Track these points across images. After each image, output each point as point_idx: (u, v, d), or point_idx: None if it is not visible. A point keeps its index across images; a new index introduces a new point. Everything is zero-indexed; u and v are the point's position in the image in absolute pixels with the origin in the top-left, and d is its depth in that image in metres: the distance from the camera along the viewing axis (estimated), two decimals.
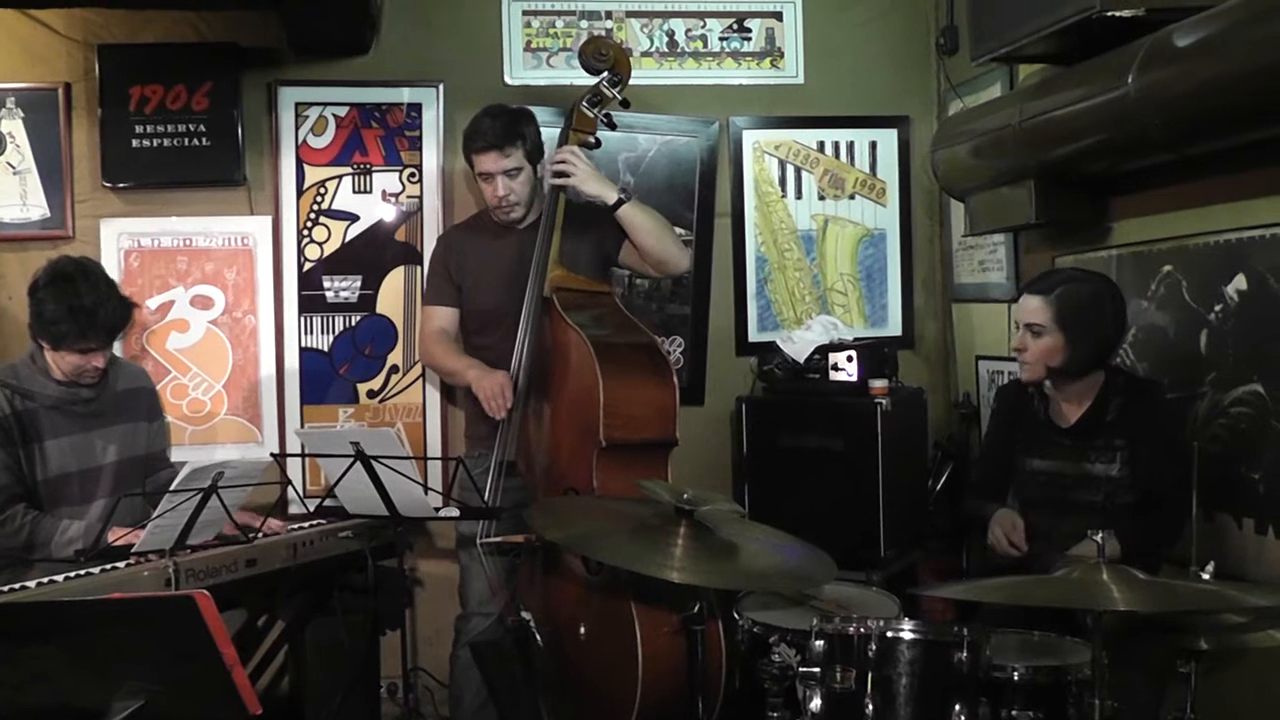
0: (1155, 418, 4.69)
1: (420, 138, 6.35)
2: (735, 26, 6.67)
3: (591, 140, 5.53)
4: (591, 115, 5.51)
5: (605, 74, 5.51)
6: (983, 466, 5.34)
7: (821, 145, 6.76)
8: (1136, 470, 4.65)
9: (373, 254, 6.35)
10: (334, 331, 6.30)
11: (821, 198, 6.77)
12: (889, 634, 3.82)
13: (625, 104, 5.59)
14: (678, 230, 5.89)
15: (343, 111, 6.31)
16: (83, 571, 4.41)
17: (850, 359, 5.98)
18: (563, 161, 5.38)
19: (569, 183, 5.37)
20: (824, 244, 6.78)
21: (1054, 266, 5.67)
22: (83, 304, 4.87)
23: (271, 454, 5.78)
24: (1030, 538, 4.91)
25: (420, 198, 6.35)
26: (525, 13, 6.49)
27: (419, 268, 6.29)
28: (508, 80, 6.46)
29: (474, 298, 5.69)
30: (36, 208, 6.06)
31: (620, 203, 5.35)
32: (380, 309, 6.34)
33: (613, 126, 5.62)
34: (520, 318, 5.33)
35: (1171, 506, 4.42)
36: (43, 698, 3.27)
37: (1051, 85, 5.07)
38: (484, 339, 5.64)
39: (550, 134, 5.74)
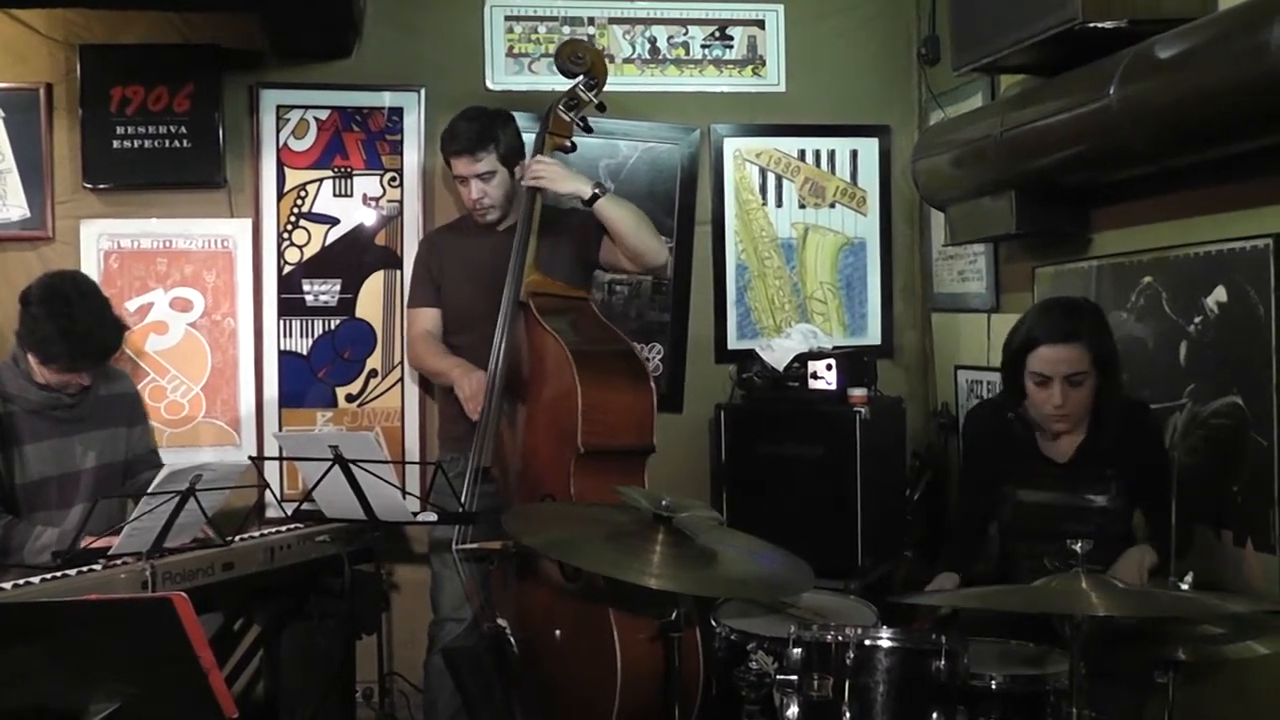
0: (1149, 442, 4.68)
1: (401, 142, 6.34)
2: (717, 34, 6.67)
3: (568, 144, 5.54)
4: (567, 119, 5.51)
5: (581, 77, 5.52)
6: (967, 498, 5.18)
7: (802, 154, 6.77)
8: (1129, 498, 4.63)
9: (353, 258, 6.34)
10: (313, 335, 6.30)
11: (802, 206, 6.78)
12: (867, 642, 3.82)
13: (601, 108, 5.59)
14: None
15: (324, 115, 6.30)
16: (59, 574, 4.38)
17: (829, 367, 5.97)
18: (533, 173, 5.39)
19: (542, 185, 5.38)
20: (804, 252, 6.78)
21: (1033, 279, 5.68)
22: (76, 329, 4.86)
23: (250, 457, 5.75)
24: (1014, 559, 4.90)
25: (401, 202, 6.34)
26: (507, 18, 6.49)
27: (399, 272, 6.29)
28: (489, 85, 6.46)
29: (451, 297, 5.72)
30: (16, 208, 6.04)
31: (595, 197, 5.36)
32: (360, 313, 6.33)
33: (589, 130, 5.62)
34: (497, 320, 5.34)
35: (1162, 526, 4.44)
36: (19, 699, 3.26)
37: (1033, 96, 5.08)
38: (460, 339, 5.67)
39: (529, 138, 5.75)
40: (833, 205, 6.80)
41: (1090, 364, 4.53)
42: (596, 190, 5.36)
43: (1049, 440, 4.78)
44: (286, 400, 6.30)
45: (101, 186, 6.10)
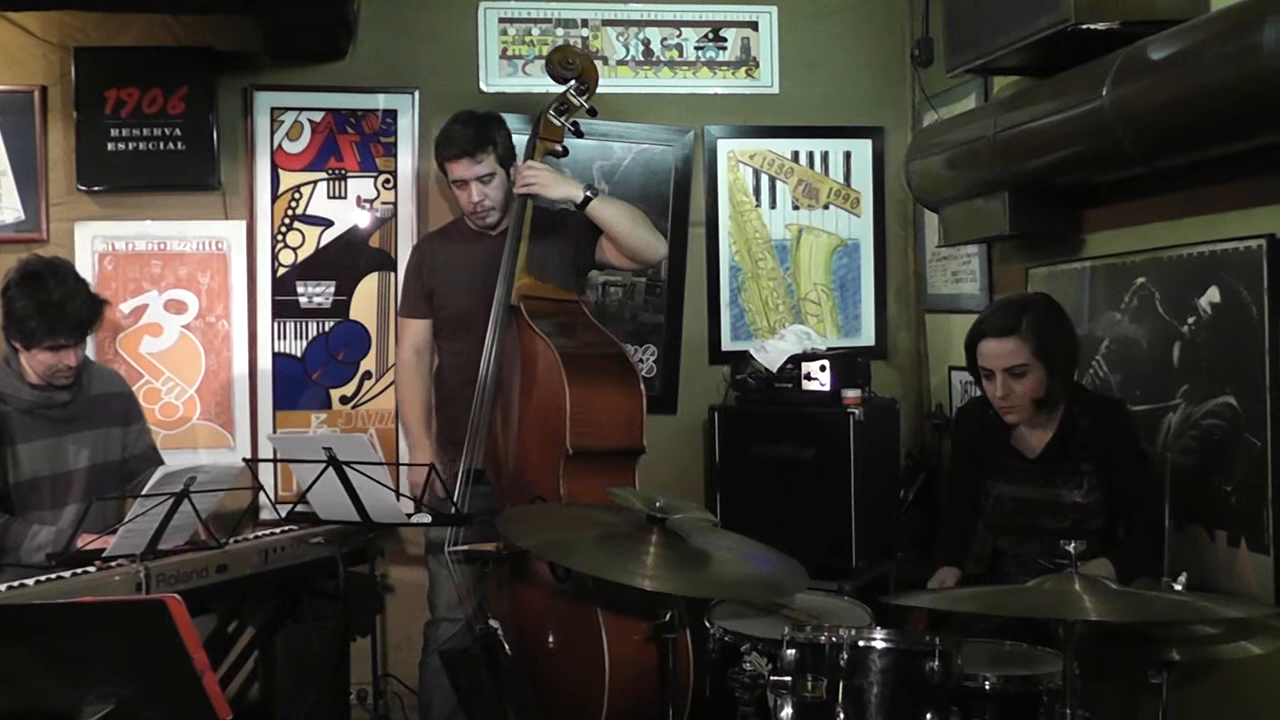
0: (1122, 438, 4.69)
1: (395, 144, 6.35)
2: (711, 36, 6.68)
3: (559, 149, 5.53)
4: (559, 124, 5.51)
5: (572, 82, 5.52)
6: (952, 493, 5.31)
7: (796, 155, 6.77)
8: (1106, 493, 4.65)
9: (347, 260, 6.35)
10: (307, 337, 6.30)
11: (796, 207, 6.78)
12: (860, 643, 3.81)
13: (592, 112, 5.59)
14: None
15: (318, 117, 6.31)
16: (53, 575, 4.38)
17: (823, 368, 5.97)
18: (526, 180, 5.39)
19: (534, 191, 5.38)
20: (798, 253, 6.79)
21: (1026, 280, 5.68)
22: (51, 299, 4.88)
23: (244, 459, 5.77)
24: (999, 558, 4.93)
25: (395, 204, 6.35)
26: (501, 20, 6.50)
27: (393, 274, 6.30)
28: (483, 87, 6.46)
29: (446, 303, 5.70)
30: (11, 210, 6.04)
31: (588, 200, 5.36)
32: (354, 315, 6.34)
33: (580, 135, 5.62)
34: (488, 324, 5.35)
35: (1147, 525, 4.44)
36: (11, 701, 3.25)
37: (1026, 97, 5.08)
38: (455, 344, 5.65)
39: (521, 141, 5.75)
40: (826, 207, 6.81)
41: (1031, 356, 4.62)
42: (588, 193, 5.36)
43: (1020, 434, 4.83)
44: (281, 402, 6.30)
45: (96, 189, 6.10)
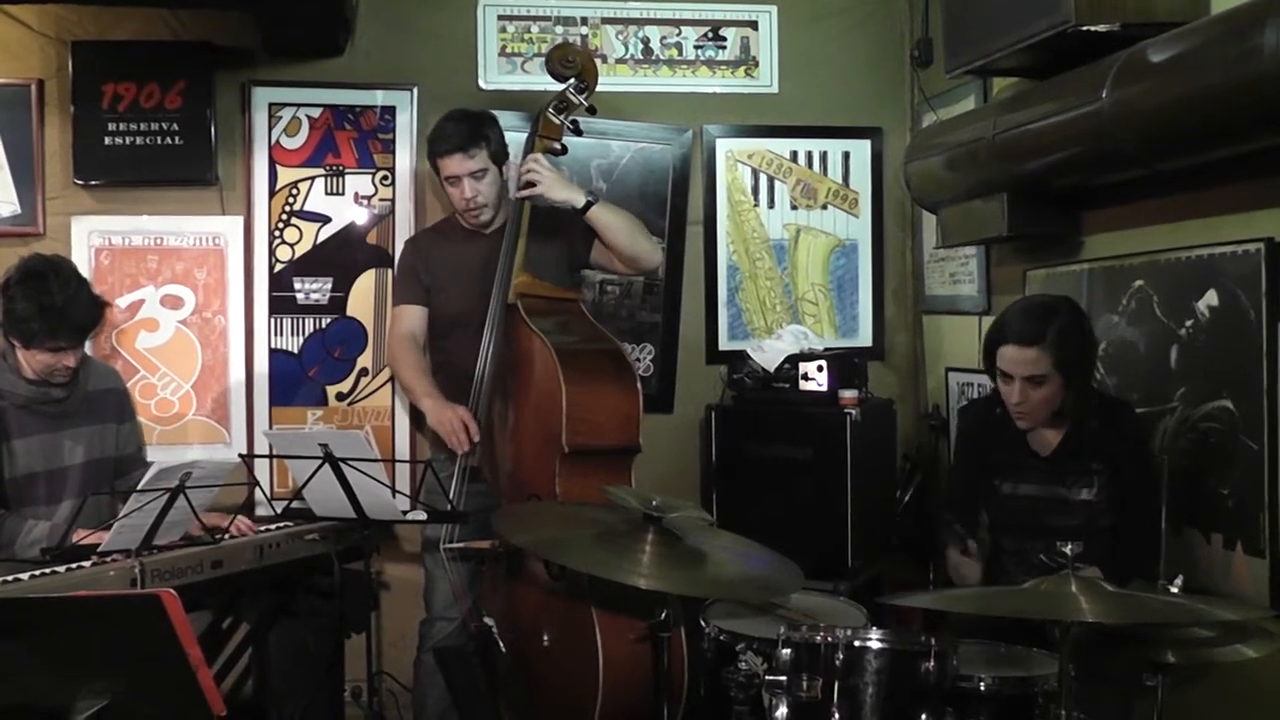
0: (1128, 439, 4.68)
1: (393, 140, 6.33)
2: (710, 35, 6.67)
3: (558, 147, 5.53)
4: (558, 122, 5.51)
5: (572, 80, 5.52)
6: (955, 488, 5.31)
7: (794, 155, 6.77)
8: (1114, 492, 4.64)
9: (344, 256, 6.34)
10: (304, 333, 6.29)
11: (794, 207, 6.78)
12: (856, 643, 3.82)
13: (592, 110, 5.59)
14: None
15: (316, 113, 6.30)
16: (48, 570, 4.38)
17: (820, 369, 5.97)
18: (529, 171, 5.38)
19: (536, 191, 5.37)
20: (796, 253, 6.78)
21: (1024, 282, 5.67)
22: (53, 302, 4.85)
23: (240, 455, 5.76)
24: (1000, 556, 4.92)
25: (392, 201, 6.34)
26: (500, 18, 6.49)
27: (390, 271, 6.27)
28: (482, 85, 6.45)
29: (440, 301, 5.69)
30: (7, 204, 6.02)
31: (589, 205, 5.35)
32: (351, 311, 6.33)
33: (579, 133, 5.62)
34: (485, 323, 5.34)
35: (1144, 528, 4.43)
36: (6, 696, 3.25)
37: (1025, 99, 5.08)
38: (449, 343, 5.65)
39: (518, 139, 5.74)
40: (824, 207, 6.80)
41: (1051, 367, 4.55)
42: (590, 198, 5.36)
43: (1033, 433, 4.80)
44: (277, 398, 6.29)
45: (93, 183, 6.08)
